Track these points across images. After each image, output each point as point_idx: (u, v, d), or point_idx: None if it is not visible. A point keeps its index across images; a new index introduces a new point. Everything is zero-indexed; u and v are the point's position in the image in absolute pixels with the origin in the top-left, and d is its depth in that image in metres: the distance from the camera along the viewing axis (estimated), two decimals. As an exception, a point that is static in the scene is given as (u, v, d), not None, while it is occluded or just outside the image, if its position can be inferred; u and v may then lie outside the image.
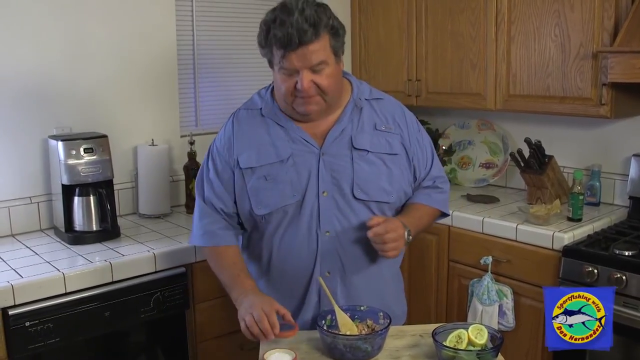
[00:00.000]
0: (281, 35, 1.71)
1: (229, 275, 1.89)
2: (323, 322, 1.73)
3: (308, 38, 1.72)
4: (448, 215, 2.13)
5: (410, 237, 1.84)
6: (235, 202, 1.92)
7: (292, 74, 1.77)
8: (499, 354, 1.64)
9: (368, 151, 1.88)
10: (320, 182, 1.84)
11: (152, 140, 3.07)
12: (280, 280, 1.92)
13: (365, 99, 1.96)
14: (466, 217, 2.99)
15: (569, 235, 2.66)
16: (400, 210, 1.99)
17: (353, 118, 1.91)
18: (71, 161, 2.62)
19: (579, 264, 2.56)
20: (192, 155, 3.14)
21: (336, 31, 1.79)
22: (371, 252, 1.88)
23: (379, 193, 1.88)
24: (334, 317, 1.75)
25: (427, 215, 2.01)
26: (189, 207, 3.13)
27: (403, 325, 2.02)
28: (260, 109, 1.94)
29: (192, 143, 3.14)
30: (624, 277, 2.42)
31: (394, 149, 1.92)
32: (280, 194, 1.84)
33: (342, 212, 1.86)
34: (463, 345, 1.59)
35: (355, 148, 1.88)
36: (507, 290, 2.78)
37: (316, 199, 1.84)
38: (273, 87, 1.96)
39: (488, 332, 1.62)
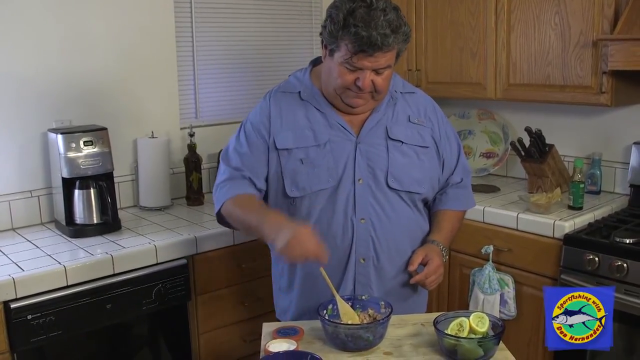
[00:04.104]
0: (365, 35, 1.70)
1: (256, 213, 1.82)
2: (325, 311, 1.73)
3: (388, 45, 1.73)
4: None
5: (447, 256, 1.99)
6: (266, 180, 1.92)
7: (355, 70, 1.79)
8: (501, 342, 1.64)
9: (402, 142, 1.92)
10: (357, 170, 1.87)
11: (152, 132, 3.06)
12: (315, 267, 1.90)
13: (400, 92, 2.00)
14: (467, 207, 2.98)
15: (569, 224, 2.66)
16: (433, 219, 2.05)
17: (388, 110, 1.95)
18: (71, 154, 2.62)
19: (580, 252, 2.55)
20: (192, 147, 3.14)
21: (407, 37, 1.81)
22: (402, 241, 1.93)
23: (412, 183, 1.92)
24: (335, 307, 1.75)
25: (458, 221, 2.10)
26: (190, 199, 3.13)
27: (425, 312, 2.08)
28: (299, 92, 1.95)
29: (192, 135, 3.14)
30: (625, 265, 2.42)
31: (426, 142, 1.97)
32: (316, 178, 1.86)
33: (376, 200, 1.89)
34: (464, 334, 1.60)
35: (391, 139, 1.91)
36: (509, 279, 2.79)
37: (352, 185, 1.87)
38: (310, 70, 1.98)
39: (489, 320, 1.62)
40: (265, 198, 1.96)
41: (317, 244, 1.68)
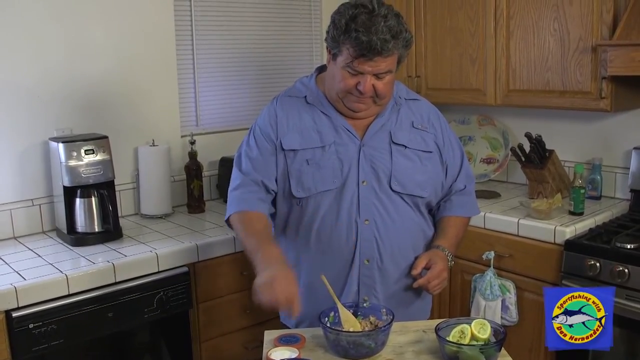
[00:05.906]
0: (365, 40, 1.74)
1: (256, 241, 1.85)
2: (326, 319, 1.73)
3: (388, 50, 1.77)
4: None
5: (453, 262, 1.98)
6: (276, 180, 1.95)
7: (357, 75, 1.83)
8: (502, 348, 1.64)
9: (406, 147, 1.95)
10: (360, 172, 1.90)
11: (153, 140, 3.07)
12: (319, 268, 1.91)
13: (405, 99, 2.03)
14: (468, 213, 2.98)
15: (570, 229, 2.66)
16: (438, 226, 2.07)
17: (392, 115, 1.98)
18: (72, 163, 2.62)
19: (581, 258, 2.56)
20: (193, 155, 3.14)
21: (408, 44, 1.85)
22: (405, 243, 1.95)
23: (415, 187, 1.94)
24: (337, 314, 1.75)
25: (463, 227, 2.12)
26: (191, 207, 3.13)
27: (429, 318, 2.09)
28: (305, 96, 1.99)
29: (192, 143, 3.14)
30: (626, 270, 2.42)
31: (429, 147, 2.00)
32: (321, 178, 1.89)
33: (380, 202, 1.91)
34: (466, 340, 1.60)
35: (394, 143, 1.94)
36: (510, 285, 2.78)
37: (356, 187, 1.90)
38: (316, 76, 2.03)
39: (491, 327, 1.62)
40: (274, 200, 1.98)
41: (290, 295, 1.66)
